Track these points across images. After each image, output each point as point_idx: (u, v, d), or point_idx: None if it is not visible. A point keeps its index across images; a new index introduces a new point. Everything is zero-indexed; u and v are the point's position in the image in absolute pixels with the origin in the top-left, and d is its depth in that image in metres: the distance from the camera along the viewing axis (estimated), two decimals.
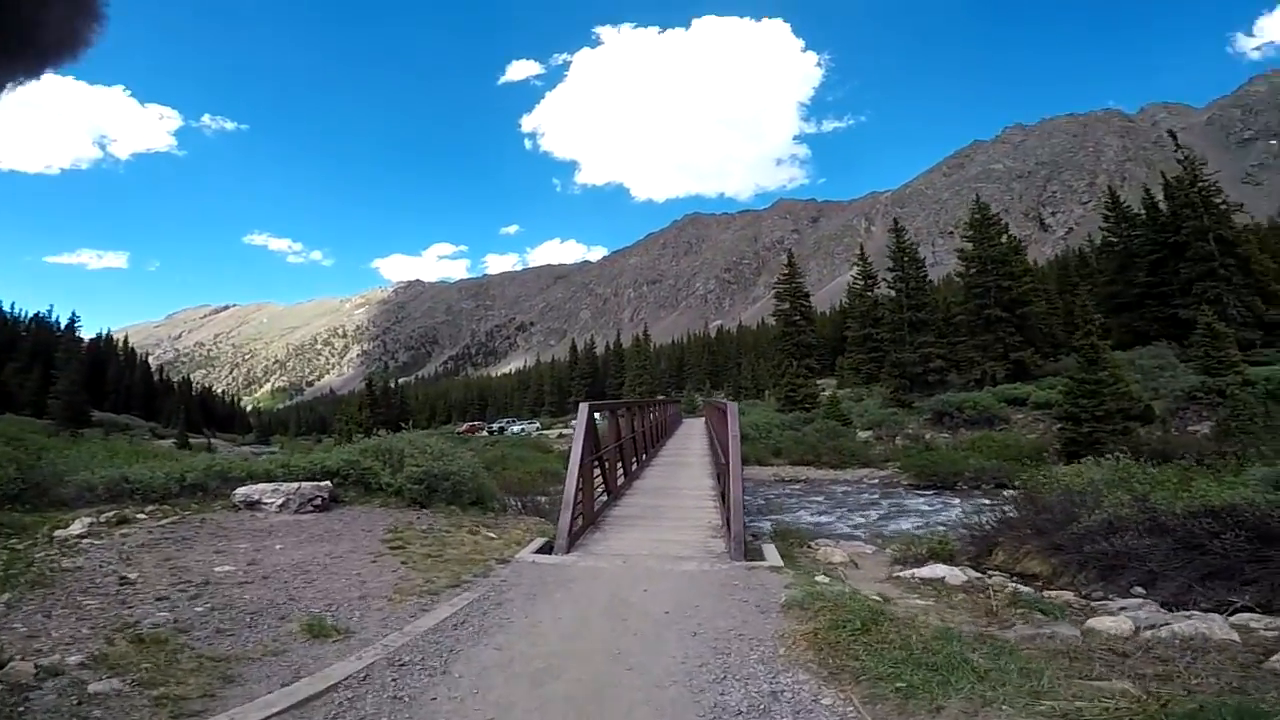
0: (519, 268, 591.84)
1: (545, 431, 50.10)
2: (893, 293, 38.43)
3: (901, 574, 7.63)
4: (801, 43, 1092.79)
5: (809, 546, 9.54)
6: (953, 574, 7.17)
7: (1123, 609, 5.19)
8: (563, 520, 6.05)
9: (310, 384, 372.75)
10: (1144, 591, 6.19)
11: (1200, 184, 31.79)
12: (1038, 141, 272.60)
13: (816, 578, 5.41)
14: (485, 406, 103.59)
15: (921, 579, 7.11)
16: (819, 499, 19.71)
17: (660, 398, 31.46)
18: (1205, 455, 20.22)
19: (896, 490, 20.99)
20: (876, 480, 22.91)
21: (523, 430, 51.09)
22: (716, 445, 12.36)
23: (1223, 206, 31.51)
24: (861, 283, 43.86)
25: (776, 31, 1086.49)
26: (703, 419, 35.88)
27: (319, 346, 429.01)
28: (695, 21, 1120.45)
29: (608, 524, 7.18)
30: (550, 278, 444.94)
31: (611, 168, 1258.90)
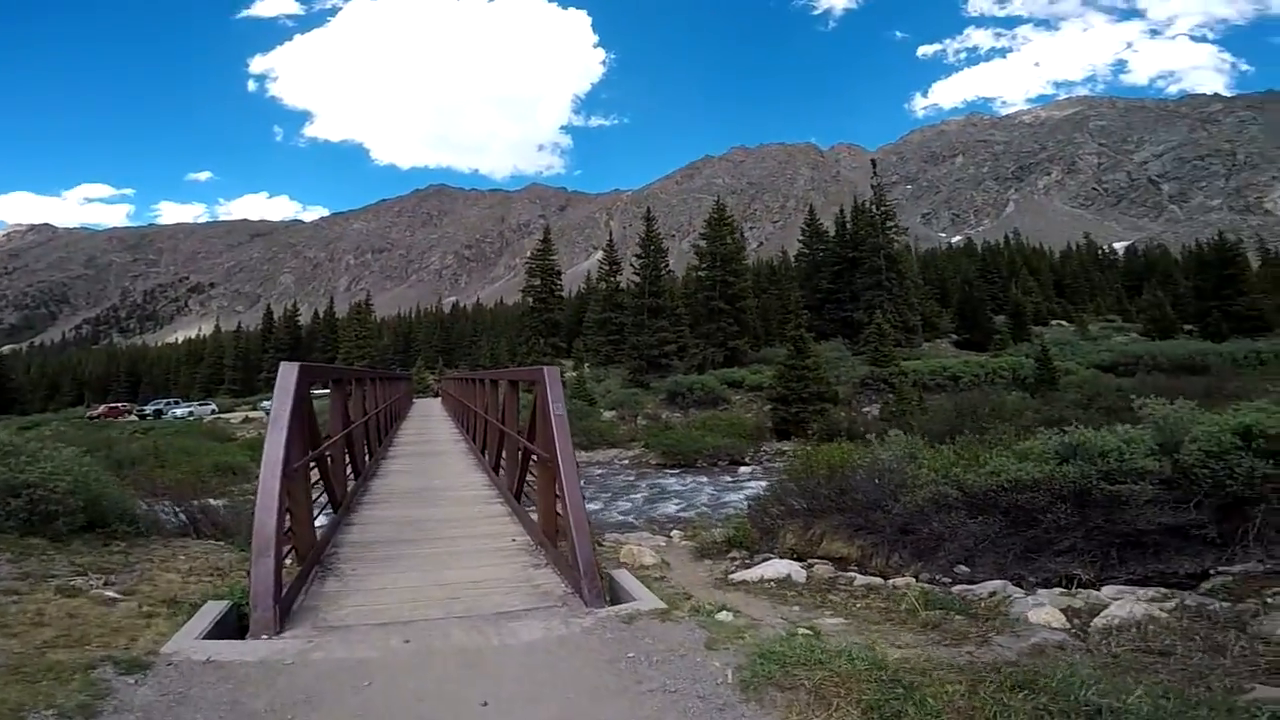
0: (204, 220, 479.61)
1: (225, 415, 39.97)
2: (633, 281, 40.04)
3: (735, 576, 6.45)
4: (596, 38, 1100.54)
5: (600, 544, 7.85)
6: (795, 570, 6.22)
7: (1011, 595, 4.63)
8: (259, 570, 3.17)
9: None
10: (967, 569, 5.92)
11: (884, 208, 39.50)
12: (753, 163, 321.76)
13: (719, 616, 3.64)
14: (138, 384, 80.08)
15: (765, 580, 5.98)
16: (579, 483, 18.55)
17: (396, 370, 26.94)
18: (878, 432, 24.75)
19: (647, 470, 20.98)
20: (627, 460, 22.73)
21: (190, 414, 39.89)
22: (477, 428, 9.79)
23: (892, 229, 39.64)
24: (606, 268, 44.75)
25: (576, 22, 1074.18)
26: (438, 399, 32.17)
27: None
28: None
29: (344, 559, 4.40)
30: (246, 234, 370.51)
31: (352, 125, 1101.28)
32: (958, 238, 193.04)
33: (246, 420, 35.83)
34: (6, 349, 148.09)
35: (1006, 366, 29.84)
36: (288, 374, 3.95)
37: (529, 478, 5.84)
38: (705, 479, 18.52)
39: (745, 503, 15.03)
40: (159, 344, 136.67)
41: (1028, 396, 26.03)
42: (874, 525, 6.98)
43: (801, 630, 3.71)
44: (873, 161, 44.52)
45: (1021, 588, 5.14)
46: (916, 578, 5.93)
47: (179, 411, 41.64)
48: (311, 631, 3.20)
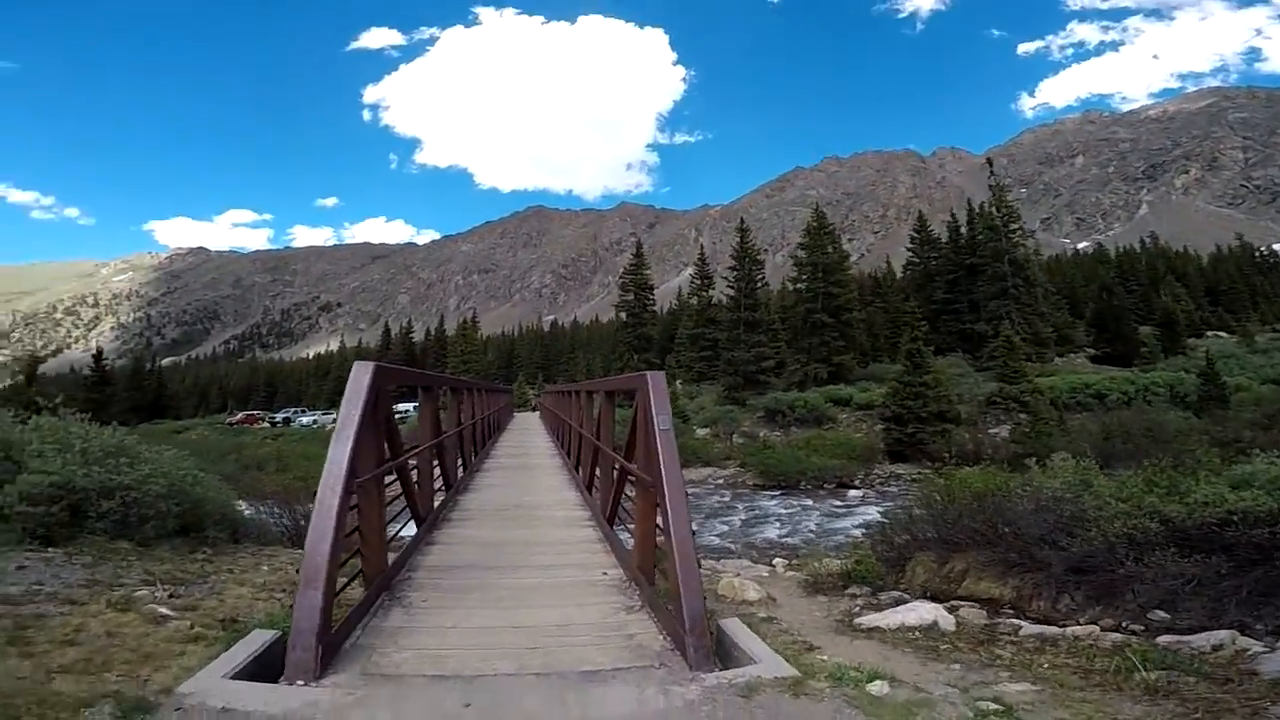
0: (331, 243, 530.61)
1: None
2: (726, 296, 39.03)
3: (863, 620, 5.45)
4: (675, 55, 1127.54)
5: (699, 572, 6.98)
6: (940, 615, 5.16)
7: (1249, 649, 3.39)
8: (303, 602, 2.69)
9: (42, 360, 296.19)
10: (1167, 616, 4.60)
11: (1005, 209, 36.17)
12: (848, 173, 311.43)
13: (870, 687, 2.77)
14: (274, 394, 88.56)
15: (905, 627, 4.97)
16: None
17: (498, 384, 27.61)
18: (1008, 456, 22.08)
19: (743, 490, 19.84)
20: (721, 480, 21.68)
21: (314, 422, 43.23)
22: (571, 443, 9.19)
23: (1016, 232, 36.14)
24: (699, 282, 43.98)
25: (655, 41, 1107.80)
26: (536, 413, 32.63)
27: (59, 315, 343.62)
28: (582, 18, 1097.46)
29: (417, 585, 3.88)
30: (368, 256, 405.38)
31: (457, 150, 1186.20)
32: (1084, 243, 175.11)
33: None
34: (168, 361, 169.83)
35: (1162, 383, 25.87)
36: (360, 375, 3.51)
37: (625, 501, 5.18)
38: (810, 502, 17.13)
39: (857, 530, 13.62)
40: (293, 358, 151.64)
41: (1192, 416, 22.36)
42: (1037, 562, 5.70)
43: (989, 707, 2.74)
44: (988, 160, 40.86)
45: (1249, 636, 3.86)
46: (1100, 625, 4.66)
47: (305, 420, 45.31)
48: (358, 680, 2.65)
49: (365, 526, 3.56)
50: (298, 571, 3.72)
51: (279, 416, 49.26)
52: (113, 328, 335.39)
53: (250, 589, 4.21)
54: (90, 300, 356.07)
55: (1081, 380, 26.69)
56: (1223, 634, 3.72)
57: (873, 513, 15.67)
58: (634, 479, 4.15)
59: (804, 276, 36.70)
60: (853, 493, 18.31)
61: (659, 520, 3.61)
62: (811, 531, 13.60)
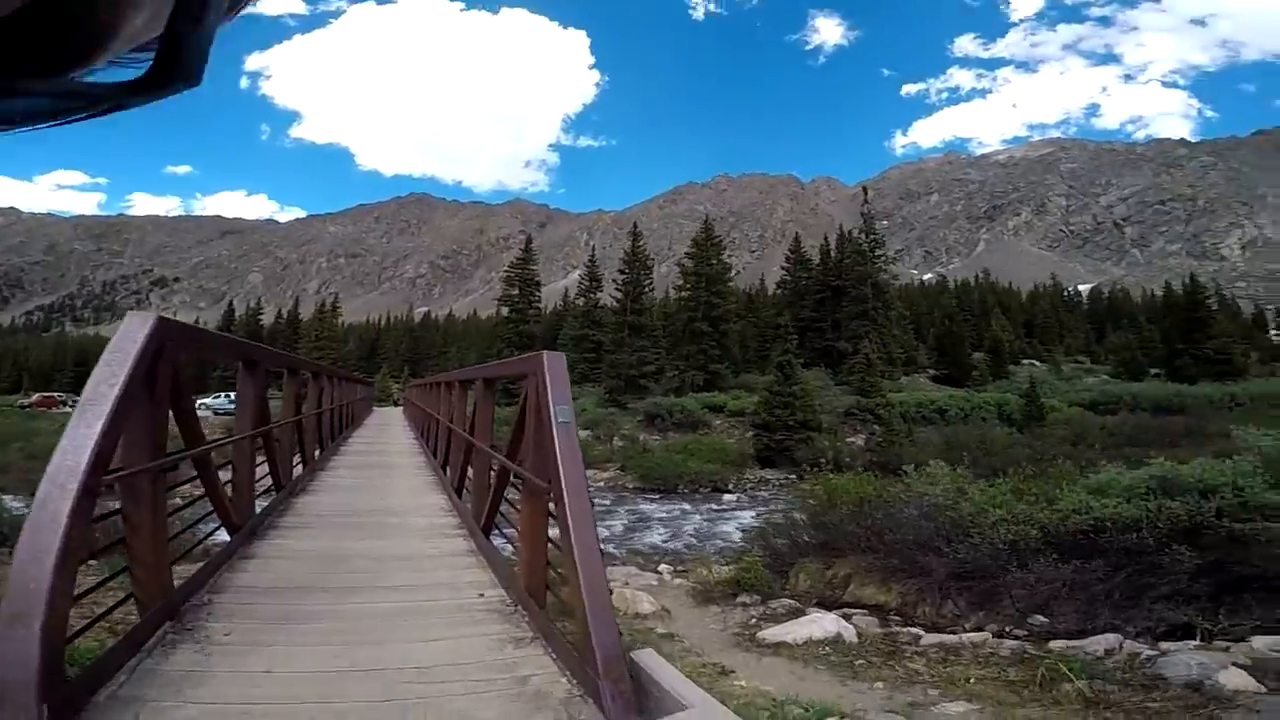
0: (177, 214, 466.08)
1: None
2: (614, 299, 39.02)
3: (766, 634, 5.21)
4: (593, 59, 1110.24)
5: None
6: (843, 628, 5.04)
7: (1142, 652, 3.50)
8: (10, 644, 1.78)
9: None
10: (1045, 620, 4.79)
11: (873, 236, 39.23)
12: (736, 192, 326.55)
13: None
14: (84, 375, 75.14)
15: (812, 641, 4.76)
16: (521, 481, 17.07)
17: (357, 374, 25.15)
18: (866, 464, 23.79)
19: (624, 494, 19.58)
20: (602, 482, 21.29)
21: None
22: (439, 440, 8.18)
23: (881, 259, 39.36)
24: (587, 283, 43.55)
25: (575, 42, 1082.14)
26: (400, 409, 30.28)
27: None
28: (505, 9, 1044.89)
29: (220, 612, 2.97)
30: (217, 230, 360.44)
31: (340, 128, 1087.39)
32: (929, 275, 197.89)
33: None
34: None
35: (991, 402, 29.40)
36: (134, 329, 2.61)
37: (508, 508, 4.43)
38: (688, 506, 17.22)
39: (737, 534, 13.82)
40: (112, 336, 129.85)
41: (1015, 432, 25.49)
42: (920, 568, 5.82)
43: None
44: (864, 189, 44.61)
45: (1126, 639, 4.06)
46: (987, 630, 4.76)
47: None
48: None
49: (135, 537, 2.64)
50: None
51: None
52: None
53: None
54: None
55: (926, 397, 29.62)
56: (1110, 638, 3.87)
57: (748, 517, 16.10)
58: (519, 481, 3.50)
59: (688, 285, 37.53)
60: (728, 496, 18.72)
61: (552, 531, 3.02)
62: (692, 535, 13.57)
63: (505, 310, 37.73)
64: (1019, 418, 27.33)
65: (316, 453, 8.42)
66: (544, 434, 2.98)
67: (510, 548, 4.68)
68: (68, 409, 38.91)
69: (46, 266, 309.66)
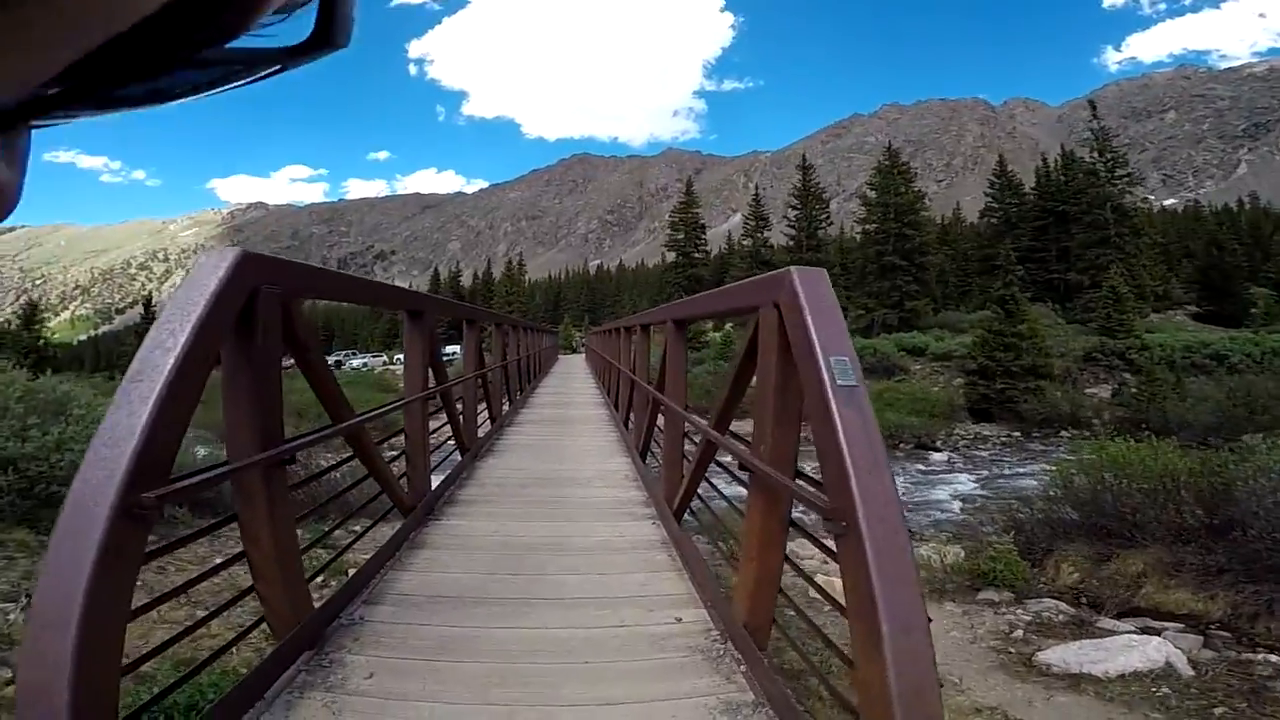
0: (384, 195, 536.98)
1: (392, 366, 42.78)
2: (785, 238, 36.23)
3: (1047, 658, 3.74)
4: (723, 1, 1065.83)
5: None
6: (1171, 653, 3.42)
7: None
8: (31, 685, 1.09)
9: (121, 311, 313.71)
10: None
11: (1110, 154, 31.87)
12: (910, 121, 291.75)
13: None
14: (331, 338, 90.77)
15: (1132, 676, 3.24)
16: (727, 458, 16.12)
17: (544, 324, 26.18)
18: (1114, 421, 19.37)
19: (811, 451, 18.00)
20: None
21: (364, 364, 43.30)
22: (624, 395, 7.15)
23: (1125, 179, 31.87)
24: (753, 223, 41.03)
25: None
26: (582, 356, 31.21)
27: (133, 271, 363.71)
28: None
29: (368, 638, 2.22)
30: (418, 206, 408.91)
31: (503, 101, 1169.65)
32: (1170, 200, 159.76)
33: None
34: None
35: None
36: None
37: (703, 490, 3.35)
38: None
39: (955, 503, 11.67)
40: (348, 305, 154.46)
41: None
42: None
43: None
44: (1091, 103, 35.66)
45: None
46: None
47: (355, 363, 45.49)
48: None
49: (254, 548, 1.90)
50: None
51: (332, 359, 49.75)
52: (183, 279, 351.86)
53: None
54: (161, 255, 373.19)
55: (1196, 339, 23.23)
56: None
57: (965, 482, 13.68)
58: (747, 473, 2.26)
59: (874, 218, 33.42)
60: (936, 456, 16.21)
61: (848, 571, 1.93)
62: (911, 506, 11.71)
63: (672, 256, 36.96)
64: None
65: (505, 405, 8.07)
66: (792, 404, 1.96)
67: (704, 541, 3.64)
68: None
69: (293, 250, 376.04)
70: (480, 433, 6.15)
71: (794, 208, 34.51)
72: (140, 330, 34.53)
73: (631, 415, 6.28)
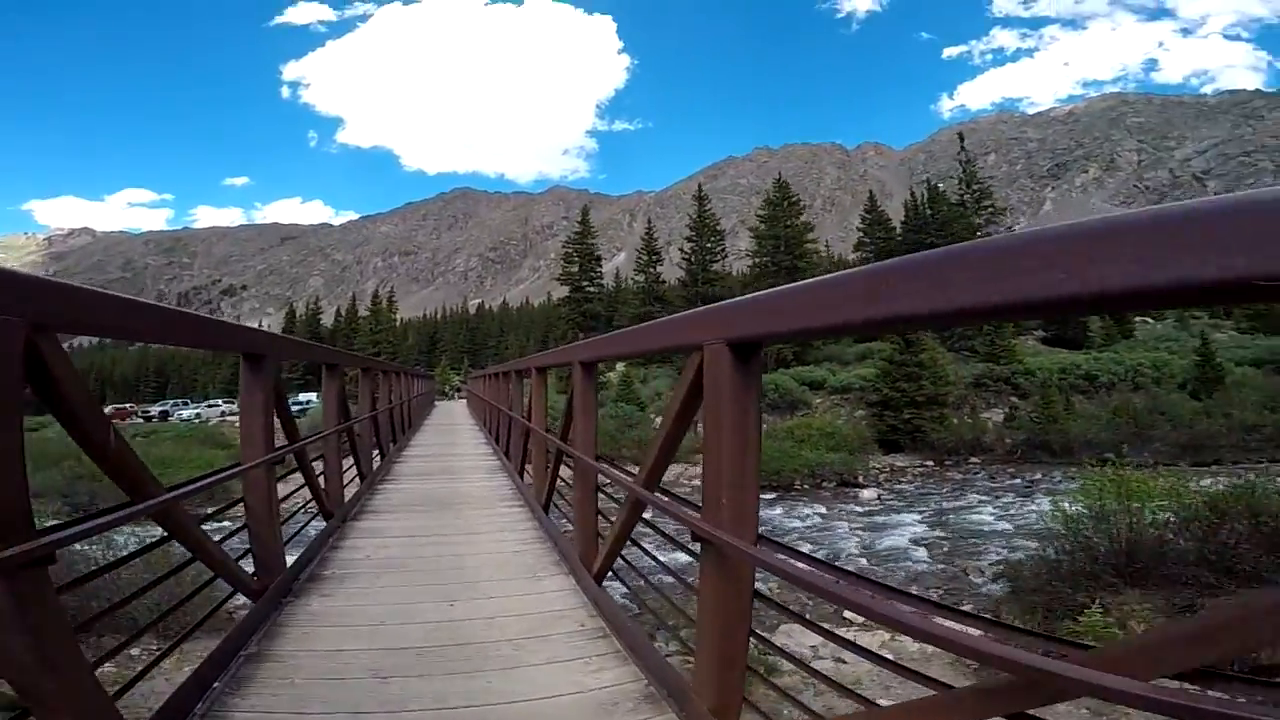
0: (239, 224, 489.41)
1: (232, 417, 36.35)
2: (678, 273, 35.60)
3: None
4: (621, 43, 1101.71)
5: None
6: None
7: None
8: None
9: None
10: None
11: (976, 186, 34.27)
12: (777, 163, 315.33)
13: None
14: (165, 384, 78.11)
15: None
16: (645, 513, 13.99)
17: (416, 368, 22.86)
18: (1014, 445, 19.70)
19: None
20: (697, 479, 18.05)
21: (196, 416, 36.41)
22: (516, 445, 6.20)
23: (989, 209, 34.38)
24: (645, 258, 40.21)
25: (602, 28, 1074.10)
26: (461, 402, 28.03)
27: None
28: (529, 1, 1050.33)
29: None
30: (277, 238, 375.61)
31: (382, 131, 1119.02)
32: (994, 234, 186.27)
33: None
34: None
35: (1149, 364, 24.45)
36: None
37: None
38: (820, 508, 13.74)
39: (917, 550, 10.21)
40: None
41: (1193, 400, 20.76)
42: None
43: None
44: (960, 135, 39.00)
45: None
46: None
47: (185, 414, 38.22)
48: None
49: None
50: None
51: (155, 410, 41.61)
52: None
53: None
54: None
55: (1070, 361, 24.90)
56: None
57: (910, 521, 12.51)
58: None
59: (765, 250, 33.61)
60: (865, 494, 15.10)
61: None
62: (857, 553, 10.13)
63: (566, 289, 34.82)
64: (1192, 382, 22.43)
65: (375, 461, 5.56)
66: (752, 456, 1.75)
67: None
68: (138, 419, 38.77)
69: (124, 283, 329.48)
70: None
71: (689, 239, 33.89)
72: None
73: (528, 469, 5.83)
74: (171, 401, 46.52)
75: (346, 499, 5.00)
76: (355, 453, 6.06)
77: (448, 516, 4.96)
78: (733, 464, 1.73)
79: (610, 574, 3.13)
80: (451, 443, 10.69)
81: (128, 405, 46.31)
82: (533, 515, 4.90)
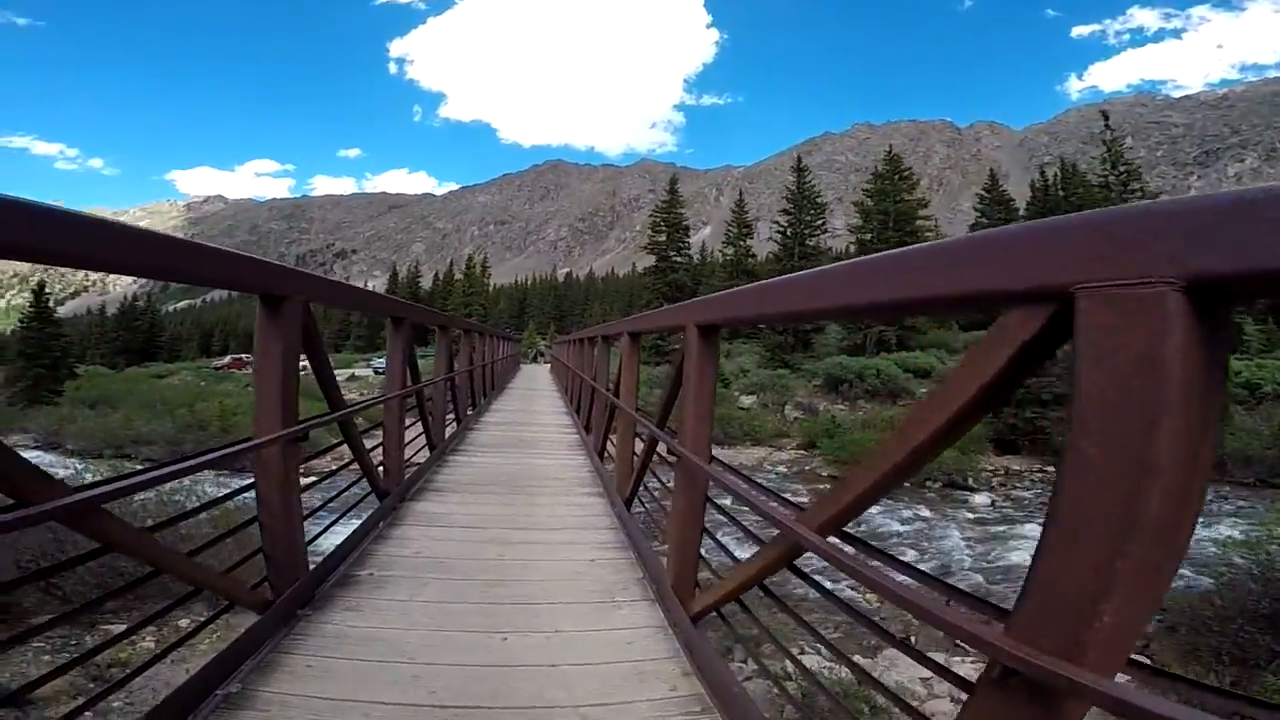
0: (351, 193, 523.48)
1: (337, 370, 38.64)
2: (773, 247, 33.73)
3: None
4: (709, 18, 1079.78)
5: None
6: None
7: None
8: None
9: (61, 302, 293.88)
10: None
11: (1124, 166, 30.27)
12: (879, 140, 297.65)
13: None
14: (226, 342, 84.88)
15: None
16: (725, 500, 13.14)
17: (506, 330, 22.94)
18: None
19: (819, 483, 15.06)
20: (783, 466, 16.88)
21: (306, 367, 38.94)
22: (599, 419, 5.91)
23: (1138, 193, 30.28)
24: (735, 229, 38.51)
25: (690, 2, 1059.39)
26: (547, 367, 28.07)
27: None
28: None
29: None
30: (384, 206, 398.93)
31: (481, 105, 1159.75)
32: None
33: (352, 378, 33.82)
34: (184, 303, 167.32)
35: None
36: None
37: None
38: (925, 510, 12.30)
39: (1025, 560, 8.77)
40: None
41: None
42: None
43: None
44: (1104, 113, 34.10)
45: None
46: None
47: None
48: None
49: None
50: None
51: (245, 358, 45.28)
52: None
53: None
54: None
55: (1229, 365, 21.33)
56: None
57: (1033, 534, 10.82)
58: None
59: (871, 226, 31.12)
60: (976, 499, 13.43)
61: None
62: (971, 568, 8.82)
63: (651, 260, 34.00)
64: None
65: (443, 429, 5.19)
66: (705, 402, 2.44)
67: None
68: (248, 370, 41.93)
69: (250, 245, 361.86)
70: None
71: (786, 211, 31.96)
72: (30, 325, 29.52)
73: (611, 445, 5.58)
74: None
75: (407, 475, 4.48)
76: (455, 401, 6.34)
77: (518, 504, 4.31)
78: (695, 405, 2.41)
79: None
80: (531, 410, 10.27)
81: (244, 356, 50.53)
82: (612, 511, 4.15)
